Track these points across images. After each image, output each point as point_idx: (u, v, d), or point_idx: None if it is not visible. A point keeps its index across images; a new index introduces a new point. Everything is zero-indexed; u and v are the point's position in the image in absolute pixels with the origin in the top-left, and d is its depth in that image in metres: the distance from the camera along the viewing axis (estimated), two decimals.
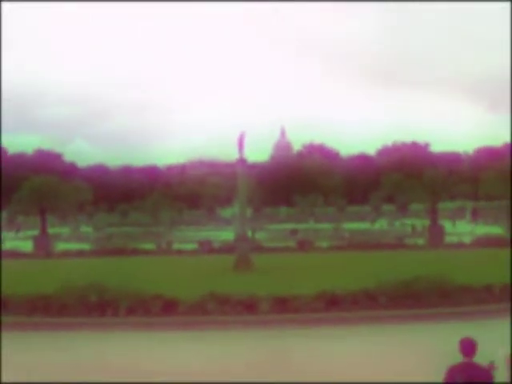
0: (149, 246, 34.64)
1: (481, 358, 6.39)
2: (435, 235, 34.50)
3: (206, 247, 32.99)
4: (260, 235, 44.55)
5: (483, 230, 42.03)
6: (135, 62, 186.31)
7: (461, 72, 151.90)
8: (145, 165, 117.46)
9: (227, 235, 39.80)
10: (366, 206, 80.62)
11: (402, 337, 12.30)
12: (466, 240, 34.06)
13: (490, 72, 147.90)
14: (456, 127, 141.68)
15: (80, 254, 31.66)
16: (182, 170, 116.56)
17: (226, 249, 30.11)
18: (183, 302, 14.10)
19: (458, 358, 10.29)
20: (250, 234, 31.71)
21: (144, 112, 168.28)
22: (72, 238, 51.60)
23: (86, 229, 67.36)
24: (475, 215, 59.80)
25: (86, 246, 36.70)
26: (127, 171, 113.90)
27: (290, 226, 57.24)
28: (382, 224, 60.89)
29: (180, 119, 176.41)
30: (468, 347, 6.32)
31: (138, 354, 11.25)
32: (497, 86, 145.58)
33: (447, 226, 42.30)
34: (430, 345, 11.56)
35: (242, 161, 25.38)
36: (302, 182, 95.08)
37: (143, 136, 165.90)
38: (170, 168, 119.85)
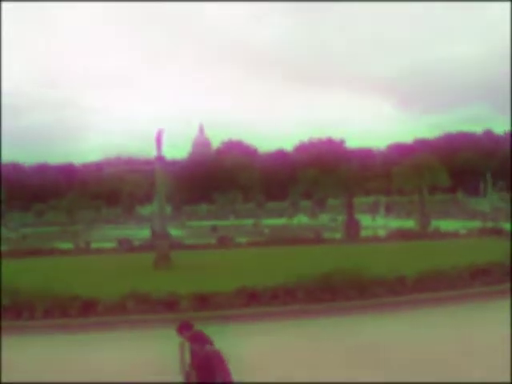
0: (66, 245, 33.76)
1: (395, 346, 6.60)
2: (351, 229, 35.48)
3: (126, 246, 32.53)
4: (180, 232, 44.34)
5: (396, 223, 43.57)
6: (53, 58, 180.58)
7: (373, 70, 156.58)
8: (61, 163, 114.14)
9: (147, 233, 39.39)
10: (284, 202, 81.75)
11: (321, 330, 12.62)
12: (381, 234, 35.24)
13: (400, 70, 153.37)
14: (369, 124, 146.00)
15: None
16: (99, 167, 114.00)
17: (146, 247, 29.84)
18: (102, 302, 13.89)
19: (376, 347, 10.76)
20: (169, 231, 31.50)
21: (60, 109, 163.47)
22: None
23: None
24: (388, 209, 61.88)
25: None
26: (42, 169, 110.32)
27: (210, 222, 57.24)
28: (300, 219, 61.93)
29: (97, 117, 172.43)
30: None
31: (55, 357, 11.00)
32: (407, 84, 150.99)
33: (365, 220, 43.64)
34: (349, 337, 11.93)
35: (160, 158, 25.20)
36: (221, 179, 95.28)
37: (59, 133, 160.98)
38: (86, 166, 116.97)
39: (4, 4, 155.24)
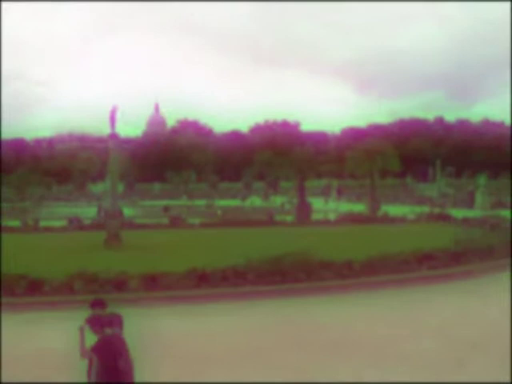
0: (14, 223, 33.06)
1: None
2: (303, 212, 35.85)
3: (76, 224, 32.09)
4: (132, 212, 43.94)
5: (347, 207, 44.21)
6: (5, 28, 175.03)
7: (330, 54, 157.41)
8: (11, 138, 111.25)
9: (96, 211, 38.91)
10: (237, 183, 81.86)
11: (270, 312, 12.80)
12: (332, 217, 35.72)
13: (358, 56, 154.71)
14: (326, 108, 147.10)
15: None
16: (50, 143, 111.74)
17: (96, 226, 29.52)
18: (49, 282, 13.73)
19: (323, 328, 11.00)
20: (121, 210, 31.21)
21: (11, 82, 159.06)
22: None
23: None
24: (340, 193, 62.66)
25: None
26: None
27: (162, 202, 56.89)
28: (253, 201, 62.16)
29: (50, 92, 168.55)
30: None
31: (2, 336, 10.86)
32: (365, 69, 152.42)
33: (317, 203, 44.13)
34: (297, 318, 12.16)
35: (113, 135, 24.86)
36: (176, 158, 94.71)
37: (9, 108, 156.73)
38: (38, 141, 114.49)
39: None
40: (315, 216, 36.17)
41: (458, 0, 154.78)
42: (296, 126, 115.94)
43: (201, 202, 57.83)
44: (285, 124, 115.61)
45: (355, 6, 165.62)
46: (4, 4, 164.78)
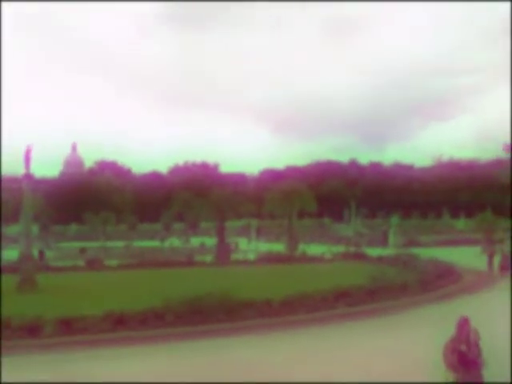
0: None
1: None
2: (223, 252, 35.93)
3: None
4: (48, 254, 42.56)
5: (266, 247, 44.64)
6: None
7: (247, 98, 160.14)
8: None
9: (12, 254, 37.42)
10: (157, 224, 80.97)
11: (189, 353, 12.71)
12: (251, 257, 35.98)
13: (273, 99, 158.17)
14: (243, 150, 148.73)
15: None
16: None
17: (10, 269, 28.37)
18: None
19: (243, 372, 11.01)
20: (35, 252, 30.24)
21: None
22: None
23: None
24: (259, 233, 63.18)
25: None
26: None
27: (79, 244, 55.43)
28: (172, 242, 61.58)
29: None
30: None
31: None
32: (280, 111, 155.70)
33: (241, 243, 44.26)
34: (214, 360, 12.13)
35: (28, 175, 24.29)
36: (93, 199, 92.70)
37: None
38: None
39: None
40: (235, 256, 36.33)
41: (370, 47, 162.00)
42: (215, 167, 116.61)
43: (119, 244, 56.75)
44: (204, 165, 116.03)
45: (271, 50, 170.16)
46: None
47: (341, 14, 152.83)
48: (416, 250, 33.22)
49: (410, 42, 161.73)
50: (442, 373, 8.01)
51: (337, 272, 25.89)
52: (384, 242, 50.28)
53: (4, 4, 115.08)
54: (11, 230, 72.55)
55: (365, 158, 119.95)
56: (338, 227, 73.27)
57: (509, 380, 8.64)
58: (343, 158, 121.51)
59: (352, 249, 39.01)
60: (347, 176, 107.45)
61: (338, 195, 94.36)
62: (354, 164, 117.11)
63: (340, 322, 15.64)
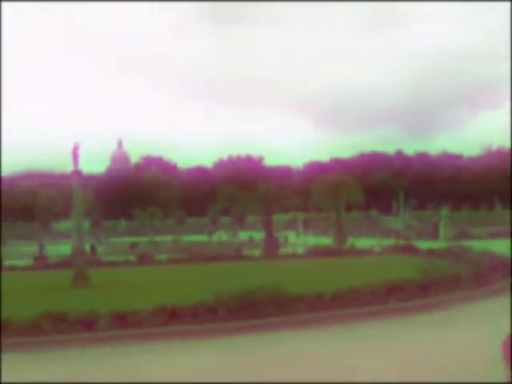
0: None
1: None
2: (271, 246, 35.93)
3: (41, 263, 31.56)
4: (99, 249, 43.39)
5: (314, 240, 44.43)
6: None
7: (290, 90, 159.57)
8: None
9: (63, 249, 38.31)
10: (203, 218, 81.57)
11: (241, 347, 12.72)
12: (299, 250, 35.85)
13: (316, 90, 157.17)
14: (287, 143, 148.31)
15: None
16: (12, 181, 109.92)
17: (63, 264, 29.04)
18: (16, 323, 13.42)
19: (293, 366, 10.97)
20: (87, 248, 30.85)
21: None
22: None
23: None
24: (306, 226, 62.97)
25: None
26: None
27: (129, 239, 56.33)
28: (220, 236, 61.96)
29: (10, 129, 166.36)
30: None
31: None
32: (322, 104, 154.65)
33: (292, 237, 44.17)
34: (268, 354, 12.09)
35: (76, 172, 24.71)
36: (141, 195, 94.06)
37: None
38: None
39: None
40: (283, 249, 36.29)
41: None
42: (259, 160, 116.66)
43: (167, 238, 57.41)
44: (248, 159, 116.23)
45: (312, 44, 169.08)
46: None
47: (379, 6, 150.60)
48: (468, 243, 32.53)
49: (455, 29, 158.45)
50: (502, 370, 7.74)
51: (387, 265, 25.52)
52: (434, 235, 49.49)
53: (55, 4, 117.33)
54: (62, 225, 74.30)
55: (411, 148, 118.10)
56: (386, 220, 72.41)
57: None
58: (389, 148, 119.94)
59: (402, 241, 38.49)
60: (393, 167, 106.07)
61: (384, 187, 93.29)
62: (400, 155, 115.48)
63: (391, 317, 15.37)
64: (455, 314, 16.08)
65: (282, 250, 36.35)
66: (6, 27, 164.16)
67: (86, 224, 50.15)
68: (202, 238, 59.59)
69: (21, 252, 43.87)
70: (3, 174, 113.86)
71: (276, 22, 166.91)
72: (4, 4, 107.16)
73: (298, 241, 47.20)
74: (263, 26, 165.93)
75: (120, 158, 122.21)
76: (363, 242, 39.09)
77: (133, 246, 46.40)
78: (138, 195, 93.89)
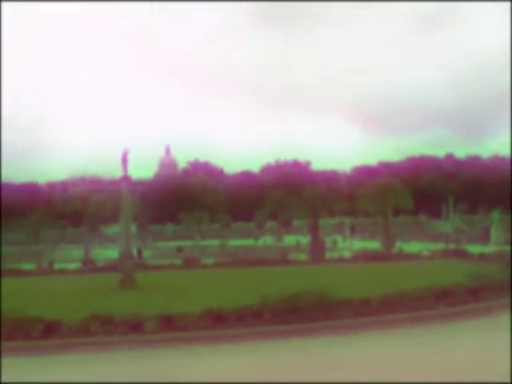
0: (29, 265, 33.14)
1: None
2: (317, 250, 35.70)
3: (90, 266, 32.14)
4: (145, 253, 43.96)
5: (361, 244, 43.96)
6: (14, 77, 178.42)
7: (338, 94, 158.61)
8: (24, 181, 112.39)
9: (111, 253, 38.94)
10: (250, 223, 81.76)
11: (287, 351, 12.64)
12: (346, 255, 35.51)
13: (363, 94, 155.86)
14: (334, 147, 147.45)
15: None
16: (63, 187, 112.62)
17: (111, 267, 29.51)
18: (65, 324, 13.68)
19: (337, 370, 10.82)
20: (134, 251, 31.24)
21: (24, 128, 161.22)
22: None
23: None
24: (353, 231, 62.44)
25: None
26: (6, 188, 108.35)
27: (175, 243, 56.90)
28: (266, 240, 62.02)
29: (62, 136, 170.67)
30: None
31: (18, 380, 10.80)
32: (369, 107, 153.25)
33: (332, 241, 43.78)
34: (313, 358, 11.98)
35: (125, 178, 25.10)
36: (188, 199, 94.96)
37: (23, 152, 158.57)
38: (51, 185, 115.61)
39: None
40: (330, 254, 36.01)
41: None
42: (306, 165, 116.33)
43: (214, 243, 57.77)
44: (295, 164, 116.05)
45: (360, 47, 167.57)
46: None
47: (431, 6, 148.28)
48: None
49: (510, 30, 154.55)
50: None
51: (436, 270, 25.01)
52: (485, 239, 48.30)
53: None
54: (110, 230, 75.67)
55: (461, 151, 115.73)
56: (435, 224, 71.08)
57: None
58: (438, 152, 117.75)
59: (451, 246, 37.73)
60: (443, 170, 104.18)
61: (434, 191, 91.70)
62: (450, 158, 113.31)
63: (440, 322, 15.03)
64: (505, 320, 15.60)
65: (329, 255, 36.05)
66: (56, 33, 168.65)
67: (134, 228, 50.94)
68: (247, 242, 59.76)
69: (70, 256, 44.82)
70: (57, 179, 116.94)
71: (326, 23, 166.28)
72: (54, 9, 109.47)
73: (344, 245, 46.81)
74: (312, 27, 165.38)
75: (168, 163, 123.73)
76: (411, 247, 38.46)
77: (179, 249, 46.84)
78: (185, 200, 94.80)
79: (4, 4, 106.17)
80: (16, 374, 11.24)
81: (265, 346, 13.10)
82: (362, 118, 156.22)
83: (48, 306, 16.43)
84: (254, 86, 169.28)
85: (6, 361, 12.11)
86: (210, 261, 33.40)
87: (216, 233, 71.58)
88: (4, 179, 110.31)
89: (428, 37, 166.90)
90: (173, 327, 13.84)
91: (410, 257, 33.27)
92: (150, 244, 62.13)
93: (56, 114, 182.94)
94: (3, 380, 10.75)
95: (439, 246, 38.79)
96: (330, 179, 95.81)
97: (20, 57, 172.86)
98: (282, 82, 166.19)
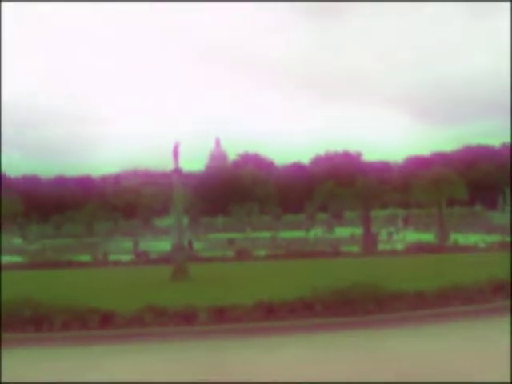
0: (84, 257, 33.94)
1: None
2: (369, 242, 35.31)
3: (143, 258, 32.66)
4: (197, 245, 44.39)
5: (414, 236, 43.25)
6: (68, 71, 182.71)
7: (389, 82, 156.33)
8: (79, 175, 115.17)
9: (164, 245, 39.48)
10: (301, 215, 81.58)
11: (338, 344, 12.52)
12: (399, 247, 34.98)
13: (416, 82, 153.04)
14: (386, 137, 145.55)
15: (13, 266, 30.62)
16: (116, 180, 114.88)
17: (163, 259, 29.90)
18: (120, 315, 13.90)
19: (391, 364, 10.63)
20: (186, 243, 31.55)
21: (77, 122, 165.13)
22: (4, 250, 49.81)
23: (18, 241, 65.23)
24: (406, 222, 61.53)
25: (18, 259, 35.55)
26: (60, 182, 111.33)
27: (227, 235, 57.25)
28: (316, 232, 61.76)
29: (114, 129, 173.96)
30: None
31: (74, 369, 11.03)
32: (423, 95, 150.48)
33: (388, 232, 43.16)
34: (366, 351, 11.83)
35: (177, 170, 25.33)
36: (238, 191, 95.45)
37: (77, 146, 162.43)
38: (104, 178, 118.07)
39: (23, 13, 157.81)
40: (382, 246, 35.57)
41: None
42: (357, 156, 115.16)
43: (264, 234, 57.86)
44: (346, 155, 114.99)
45: (411, 35, 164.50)
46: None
47: None
48: None
49: None
50: None
51: (492, 262, 24.31)
52: None
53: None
54: (162, 222, 76.84)
55: None
56: (491, 215, 69.33)
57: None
58: (494, 141, 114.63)
59: (508, 238, 36.66)
60: (499, 160, 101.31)
61: (490, 181, 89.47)
62: (506, 147, 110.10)
63: (497, 316, 14.60)
64: None
65: (381, 247, 35.60)
66: (113, 26, 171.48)
67: (185, 220, 51.58)
68: (298, 234, 59.62)
69: (123, 248, 45.65)
70: (110, 172, 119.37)
71: (374, 14, 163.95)
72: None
73: (397, 237, 46.13)
74: (361, 19, 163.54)
75: (218, 155, 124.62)
76: (467, 239, 37.59)
77: (230, 241, 47.12)
78: (236, 192, 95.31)
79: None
80: (74, 363, 11.49)
81: (317, 339, 13.01)
82: (415, 107, 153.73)
83: (104, 297, 16.74)
84: (303, 76, 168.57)
85: (63, 350, 12.42)
86: (261, 253, 33.44)
87: (266, 225, 71.75)
88: (59, 173, 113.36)
89: (483, 23, 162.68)
90: (225, 319, 13.89)
91: (465, 249, 32.51)
92: (202, 236, 62.72)
93: (109, 107, 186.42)
94: (65, 367, 11.00)
95: (495, 237, 37.77)
96: (381, 170, 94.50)
97: (79, 50, 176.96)
98: (332, 72, 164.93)
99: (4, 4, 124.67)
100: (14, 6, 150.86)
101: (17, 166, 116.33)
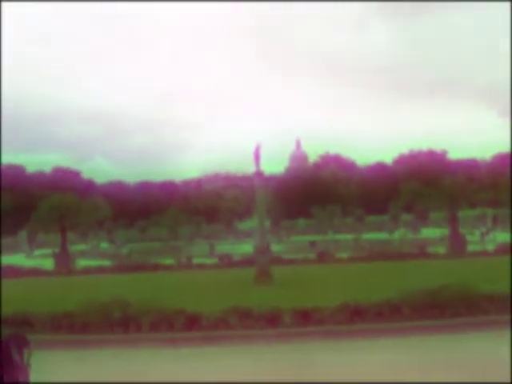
0: (169, 260, 34.67)
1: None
2: (457, 243, 34.17)
3: (226, 261, 32.98)
4: (279, 247, 44.41)
5: (505, 237, 41.48)
6: (152, 78, 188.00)
7: (474, 78, 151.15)
8: (162, 180, 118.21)
9: (246, 248, 39.72)
10: (384, 216, 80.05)
11: (428, 348, 12.13)
12: (489, 248, 33.63)
13: (503, 77, 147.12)
14: (472, 134, 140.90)
15: (101, 270, 31.67)
16: (198, 184, 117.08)
17: (246, 262, 30.05)
18: (206, 317, 14.05)
19: (482, 368, 10.17)
20: (269, 246, 31.62)
21: (159, 128, 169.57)
22: (92, 254, 51.76)
23: (105, 245, 67.62)
24: (496, 222, 59.14)
25: (106, 263, 36.75)
26: (145, 187, 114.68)
27: (308, 237, 57.00)
28: (401, 233, 60.44)
29: (195, 134, 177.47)
30: None
31: (162, 370, 11.23)
32: (507, 91, 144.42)
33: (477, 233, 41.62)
34: (458, 355, 11.41)
35: (258, 173, 25.36)
36: (320, 193, 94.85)
37: (160, 152, 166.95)
38: (186, 183, 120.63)
39: (109, 24, 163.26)
40: (471, 247, 34.33)
41: None
42: (443, 154, 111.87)
43: (347, 237, 57.18)
44: (431, 153, 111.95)
45: (495, 28, 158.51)
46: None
47: None
48: None
49: None
50: None
51: None
52: None
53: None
54: (244, 225, 77.47)
55: None
56: None
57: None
58: None
59: None
60: None
61: None
62: None
63: None
64: None
65: (470, 248, 34.35)
66: (186, 30, 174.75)
67: (267, 223, 51.78)
68: (382, 235, 58.55)
69: (206, 251, 46.29)
70: (192, 176, 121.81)
71: (451, 7, 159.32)
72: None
73: (487, 237, 44.43)
74: (441, 14, 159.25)
75: (299, 157, 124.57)
76: None
77: (312, 244, 46.82)
78: (317, 194, 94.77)
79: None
80: (161, 364, 11.70)
81: (405, 343, 12.66)
82: (503, 104, 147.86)
83: (189, 299, 16.99)
84: (385, 73, 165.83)
85: (151, 351, 12.68)
86: (344, 255, 33.00)
87: (349, 227, 70.86)
88: (144, 179, 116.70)
89: None
90: (310, 321, 13.76)
91: None
92: (284, 238, 62.74)
93: (189, 112, 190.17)
94: (155, 367, 11.23)
95: None
96: (469, 168, 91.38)
97: (152, 55, 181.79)
98: (416, 68, 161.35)
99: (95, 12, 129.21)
100: (104, 15, 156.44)
101: (104, 172, 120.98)
